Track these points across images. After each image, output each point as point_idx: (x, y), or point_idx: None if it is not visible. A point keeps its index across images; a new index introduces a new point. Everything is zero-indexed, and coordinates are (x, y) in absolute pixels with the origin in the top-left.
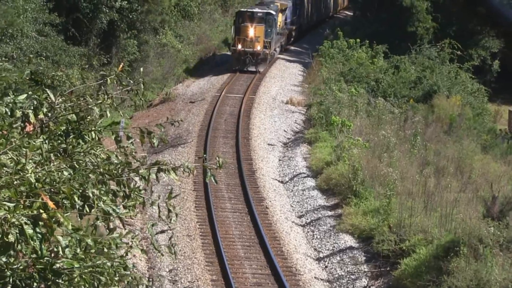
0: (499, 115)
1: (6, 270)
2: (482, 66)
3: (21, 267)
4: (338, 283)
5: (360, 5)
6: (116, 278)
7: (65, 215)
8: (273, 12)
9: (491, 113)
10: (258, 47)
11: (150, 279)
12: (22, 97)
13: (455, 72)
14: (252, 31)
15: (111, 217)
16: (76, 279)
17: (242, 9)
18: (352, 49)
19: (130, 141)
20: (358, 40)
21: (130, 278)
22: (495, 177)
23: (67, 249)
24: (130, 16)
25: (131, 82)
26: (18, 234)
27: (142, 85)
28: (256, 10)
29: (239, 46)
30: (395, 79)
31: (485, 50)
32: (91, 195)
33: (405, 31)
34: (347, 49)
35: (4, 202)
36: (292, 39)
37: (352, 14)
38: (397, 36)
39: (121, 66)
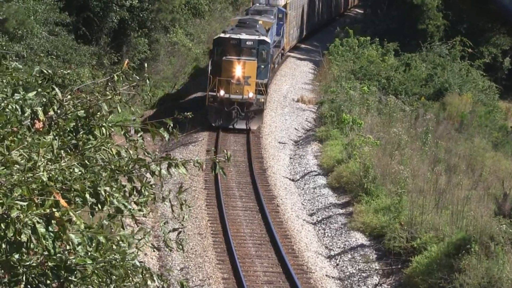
0: (510, 112)
1: (19, 267)
2: (493, 63)
3: (34, 264)
4: (349, 281)
5: (371, 3)
6: (128, 272)
7: (77, 213)
8: (268, 40)
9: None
10: (250, 93)
11: (161, 274)
12: (32, 94)
13: (466, 69)
14: (239, 69)
15: (123, 214)
16: (89, 275)
17: (222, 35)
18: (363, 47)
19: (139, 135)
20: (368, 38)
21: (143, 271)
22: (507, 174)
23: (79, 247)
24: (141, 15)
25: (137, 78)
26: (30, 233)
27: (147, 80)
28: (244, 36)
29: (221, 92)
30: (406, 77)
31: (496, 48)
32: (103, 192)
33: (416, 29)
34: (358, 47)
35: (17, 201)
36: (275, 65)
37: (362, 12)
38: (408, 33)
39: (126, 62)
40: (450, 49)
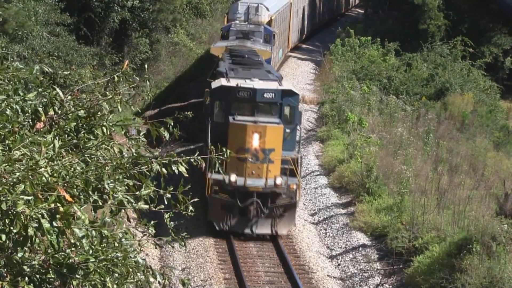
0: None
1: (22, 265)
2: (494, 63)
3: (36, 263)
4: (351, 281)
5: (372, 3)
6: (130, 270)
7: (81, 208)
8: (295, 90)
9: (503, 110)
10: (278, 179)
11: (163, 272)
12: (32, 95)
13: (467, 69)
14: (256, 137)
15: (126, 207)
16: (91, 274)
17: (224, 83)
18: (364, 46)
19: (141, 134)
20: (369, 37)
21: (145, 268)
22: (508, 174)
23: (84, 240)
24: (142, 15)
25: (137, 79)
26: (35, 228)
27: (147, 81)
28: (260, 85)
29: (233, 177)
30: (407, 77)
31: (497, 47)
32: (107, 186)
33: (417, 29)
34: (359, 47)
35: (22, 196)
36: None
37: (363, 11)
38: (409, 33)
39: (125, 64)
40: (451, 49)
